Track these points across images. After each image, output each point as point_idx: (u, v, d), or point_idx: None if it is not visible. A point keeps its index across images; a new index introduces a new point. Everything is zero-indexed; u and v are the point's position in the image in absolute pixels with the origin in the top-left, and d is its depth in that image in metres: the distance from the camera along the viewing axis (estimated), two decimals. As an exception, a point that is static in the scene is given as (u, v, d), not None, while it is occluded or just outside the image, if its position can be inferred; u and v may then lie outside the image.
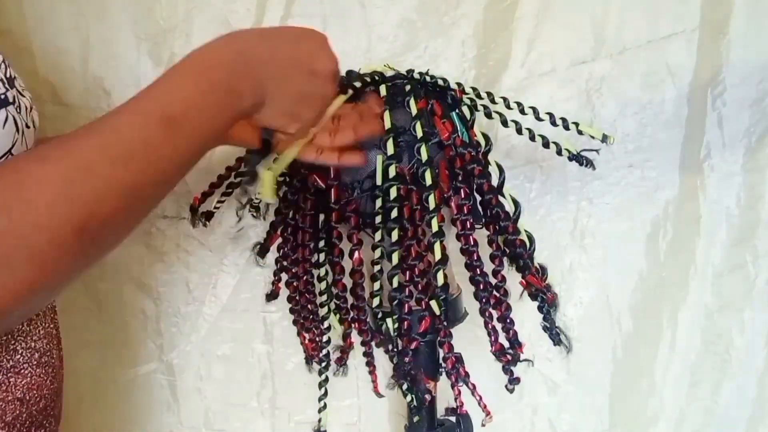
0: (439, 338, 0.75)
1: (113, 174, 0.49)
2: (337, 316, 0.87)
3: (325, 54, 0.69)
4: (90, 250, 0.49)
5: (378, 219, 0.73)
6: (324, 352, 0.90)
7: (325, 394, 0.91)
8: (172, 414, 1.21)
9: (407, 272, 0.73)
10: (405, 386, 0.82)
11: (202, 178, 1.06)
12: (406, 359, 0.77)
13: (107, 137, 0.50)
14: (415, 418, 0.84)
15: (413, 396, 0.81)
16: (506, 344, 0.81)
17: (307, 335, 0.91)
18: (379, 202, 0.72)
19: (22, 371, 0.65)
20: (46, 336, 0.69)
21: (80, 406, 1.20)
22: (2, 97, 0.57)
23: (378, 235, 0.73)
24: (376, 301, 0.76)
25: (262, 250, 0.91)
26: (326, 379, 0.91)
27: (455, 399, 0.85)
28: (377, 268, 0.74)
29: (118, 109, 0.53)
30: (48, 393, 0.68)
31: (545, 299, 0.79)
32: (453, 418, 0.88)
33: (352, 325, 0.83)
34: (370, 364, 0.89)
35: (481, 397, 0.87)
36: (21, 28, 1.00)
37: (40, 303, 0.60)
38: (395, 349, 0.80)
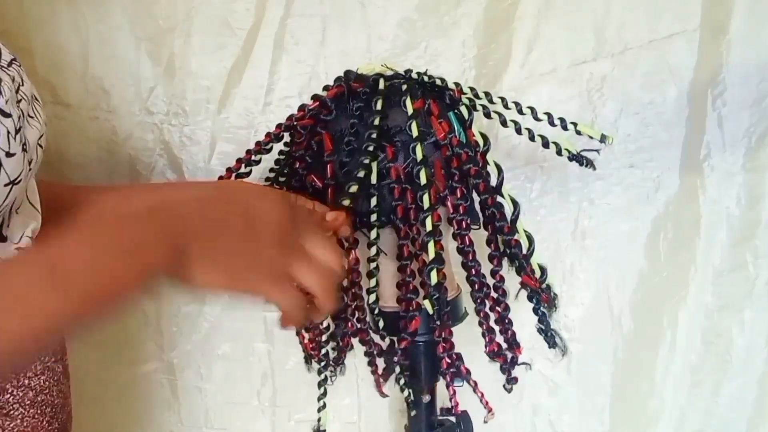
0: (434, 338, 0.75)
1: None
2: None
3: (275, 212, 0.62)
4: None
5: (373, 217, 0.73)
6: (323, 351, 0.90)
7: (325, 393, 0.91)
8: (172, 413, 1.22)
9: (401, 272, 0.73)
10: (402, 381, 0.82)
11: (202, 180, 1.07)
12: (395, 358, 0.78)
13: None
14: (413, 413, 0.84)
15: (410, 390, 0.82)
16: (504, 345, 0.81)
17: (306, 334, 0.92)
18: (374, 201, 0.73)
19: (12, 413, 0.60)
20: (45, 372, 0.65)
21: (80, 406, 1.19)
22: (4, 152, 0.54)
23: (373, 233, 0.73)
24: (372, 298, 0.77)
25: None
26: (325, 379, 0.91)
27: (450, 399, 0.85)
28: (373, 265, 0.75)
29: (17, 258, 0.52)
30: None
31: (540, 300, 0.79)
32: (452, 418, 0.88)
33: (348, 324, 0.83)
34: (372, 363, 0.89)
35: (482, 394, 0.87)
36: (21, 28, 1.00)
37: None
38: (389, 348, 0.81)
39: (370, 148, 0.71)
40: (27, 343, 0.49)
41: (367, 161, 0.71)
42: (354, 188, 0.71)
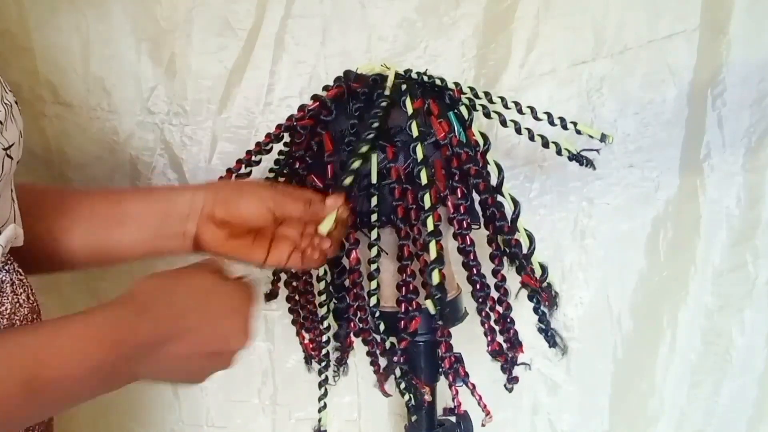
0: (436, 338, 0.75)
1: None
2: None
3: (240, 336, 0.67)
4: None
5: (374, 217, 0.73)
6: (323, 351, 0.91)
7: (325, 393, 0.91)
8: (173, 412, 1.22)
9: (402, 272, 0.73)
10: (403, 385, 0.82)
11: (202, 179, 1.07)
12: (395, 358, 0.78)
13: None
14: (413, 418, 0.84)
15: (411, 395, 0.82)
16: (505, 345, 0.81)
17: (306, 335, 0.92)
18: (374, 201, 0.73)
19: None
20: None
21: (81, 405, 1.20)
22: None
23: (374, 234, 0.73)
24: (373, 301, 0.77)
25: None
26: (326, 379, 0.91)
27: (453, 399, 0.85)
28: (373, 267, 0.75)
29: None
30: None
31: (540, 300, 0.79)
32: (453, 418, 0.88)
33: (350, 325, 0.83)
34: (375, 363, 0.89)
35: (480, 397, 0.87)
36: (21, 28, 1.00)
37: None
38: (390, 348, 0.81)
39: (370, 136, 0.73)
40: None
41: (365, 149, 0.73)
42: (349, 179, 0.72)
